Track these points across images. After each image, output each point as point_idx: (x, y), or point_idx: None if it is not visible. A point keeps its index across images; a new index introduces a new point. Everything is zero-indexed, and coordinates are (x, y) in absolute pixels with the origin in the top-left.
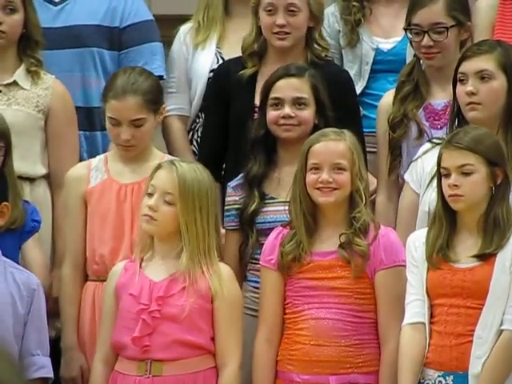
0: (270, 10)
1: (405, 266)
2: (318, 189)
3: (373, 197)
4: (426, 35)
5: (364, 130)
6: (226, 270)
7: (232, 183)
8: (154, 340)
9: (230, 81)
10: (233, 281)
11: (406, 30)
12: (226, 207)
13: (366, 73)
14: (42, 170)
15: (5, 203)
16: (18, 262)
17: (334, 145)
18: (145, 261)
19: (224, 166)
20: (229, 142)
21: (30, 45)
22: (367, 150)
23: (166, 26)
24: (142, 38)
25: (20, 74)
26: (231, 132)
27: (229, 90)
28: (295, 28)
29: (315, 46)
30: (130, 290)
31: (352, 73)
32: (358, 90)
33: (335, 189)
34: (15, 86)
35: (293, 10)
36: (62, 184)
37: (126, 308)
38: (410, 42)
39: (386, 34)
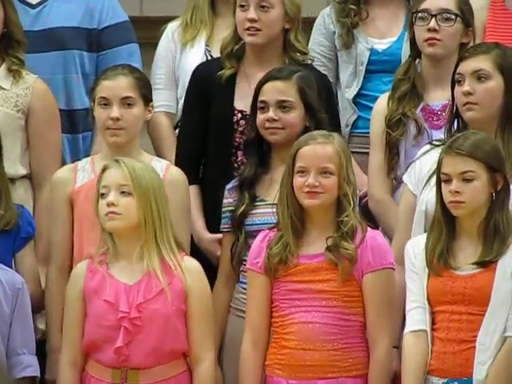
0: (242, 6)
1: (393, 268)
2: (304, 192)
3: (365, 199)
4: (433, 19)
5: (358, 130)
6: (194, 265)
7: (228, 185)
8: (133, 349)
9: (210, 81)
10: (202, 275)
11: (413, 13)
12: (222, 209)
13: (360, 73)
14: (22, 171)
15: None
16: (10, 265)
17: (321, 148)
18: (109, 263)
19: (202, 167)
20: (208, 143)
21: (11, 44)
22: (361, 151)
23: (157, 28)
24: (120, 39)
25: (0, 74)
26: (210, 133)
27: (209, 91)
28: (266, 25)
29: (296, 46)
30: (104, 295)
31: (347, 73)
32: (353, 91)
33: (321, 192)
34: None
35: (264, 6)
36: (43, 184)
37: (100, 314)
38: (413, 34)
39: (381, 35)
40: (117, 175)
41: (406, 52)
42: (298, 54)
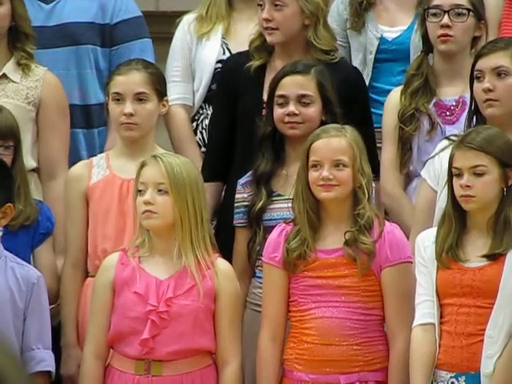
0: (260, 5)
1: (411, 262)
2: (319, 185)
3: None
4: (446, 15)
5: None
6: (227, 267)
7: (241, 180)
8: (159, 342)
9: (238, 75)
10: (234, 278)
11: (425, 10)
12: (235, 204)
13: (370, 62)
14: (32, 164)
15: (8, 204)
16: (29, 260)
17: (334, 141)
18: (142, 256)
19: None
20: (236, 137)
21: (19, 38)
22: None
23: (173, 23)
24: (132, 34)
25: (10, 67)
26: (239, 127)
27: (237, 85)
28: (281, 23)
29: (316, 44)
30: (134, 287)
31: (357, 62)
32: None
33: (336, 185)
34: (5, 79)
35: (278, 5)
36: (54, 176)
37: (129, 306)
38: (425, 30)
39: (391, 22)
40: (154, 172)
41: (414, 42)
42: (321, 53)
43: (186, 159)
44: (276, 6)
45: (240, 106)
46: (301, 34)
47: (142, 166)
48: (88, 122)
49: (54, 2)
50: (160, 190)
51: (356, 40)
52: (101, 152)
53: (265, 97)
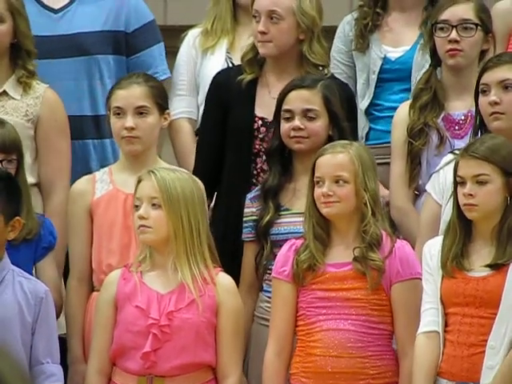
0: (255, 17)
1: (421, 278)
2: (321, 202)
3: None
4: (454, 30)
5: (369, 142)
6: (228, 281)
7: (250, 195)
8: (161, 356)
9: (229, 88)
10: (235, 292)
11: (432, 25)
12: (244, 219)
13: (372, 81)
14: (32, 180)
15: (17, 218)
16: (31, 274)
17: (336, 157)
18: (144, 272)
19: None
20: (226, 150)
21: (20, 55)
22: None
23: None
24: (151, 39)
25: (10, 84)
26: (229, 140)
27: (229, 98)
28: (276, 36)
29: (310, 58)
30: (135, 301)
31: (360, 82)
32: (366, 101)
33: (336, 202)
34: (5, 96)
35: (274, 18)
36: (53, 191)
37: (131, 320)
38: (433, 44)
39: (395, 43)
40: (148, 187)
41: (417, 61)
42: (313, 68)
43: (183, 174)
44: (272, 18)
45: (230, 121)
46: (294, 48)
47: (139, 181)
48: (99, 133)
49: (63, 11)
50: (154, 205)
51: (361, 60)
52: (115, 162)
53: (256, 111)
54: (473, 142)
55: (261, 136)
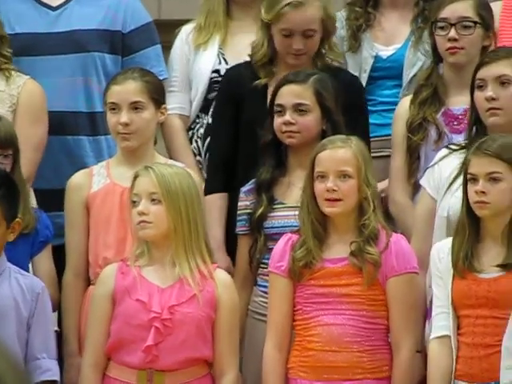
0: (285, 34)
1: (417, 273)
2: (325, 200)
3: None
4: (453, 28)
5: None
6: (226, 277)
7: (244, 188)
8: (162, 350)
9: (241, 86)
10: (233, 288)
11: (432, 23)
12: (238, 212)
13: (363, 80)
14: None
15: (17, 220)
16: (27, 269)
17: (338, 152)
18: (142, 267)
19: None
20: (239, 148)
21: None
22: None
23: (175, 31)
24: (147, 41)
25: None
26: (242, 138)
27: (241, 95)
28: (310, 49)
29: (326, 54)
30: (136, 295)
31: None
32: None
33: (341, 200)
34: None
35: (310, 35)
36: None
37: (132, 314)
38: (434, 41)
39: (387, 41)
40: (146, 183)
41: (408, 58)
42: (331, 57)
43: (180, 169)
44: (307, 35)
45: (243, 117)
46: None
47: (135, 177)
48: (94, 129)
49: (61, 9)
50: (153, 200)
51: (352, 59)
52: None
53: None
54: (484, 140)
55: None
